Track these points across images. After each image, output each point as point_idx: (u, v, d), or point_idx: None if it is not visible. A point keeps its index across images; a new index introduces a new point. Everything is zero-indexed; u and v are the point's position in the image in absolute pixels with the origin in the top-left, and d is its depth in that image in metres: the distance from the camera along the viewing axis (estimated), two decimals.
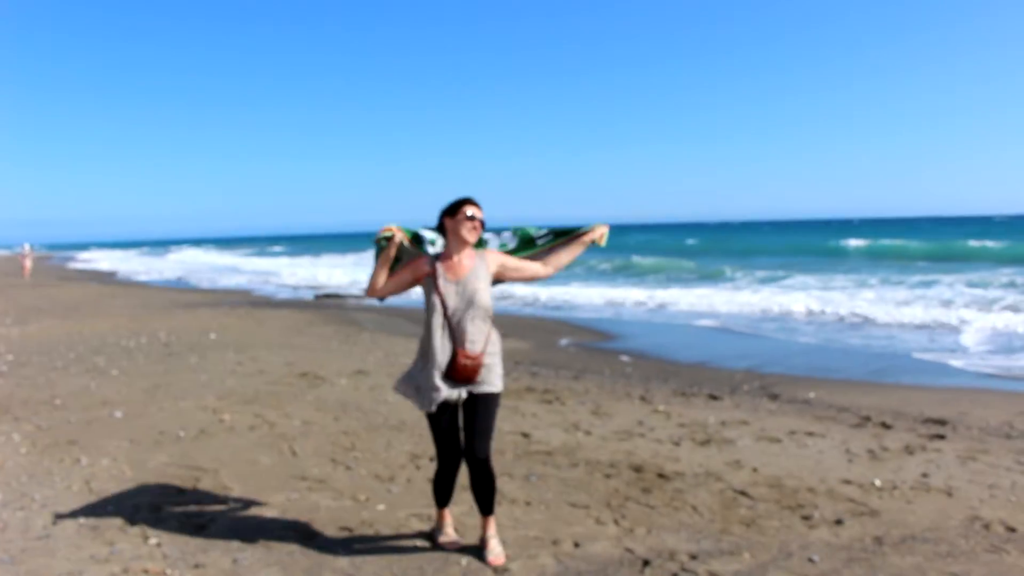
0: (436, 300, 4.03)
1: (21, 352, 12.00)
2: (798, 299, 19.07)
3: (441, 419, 4.12)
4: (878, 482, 5.50)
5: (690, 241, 62.67)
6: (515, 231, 4.47)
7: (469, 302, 4.03)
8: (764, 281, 26.03)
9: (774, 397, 8.81)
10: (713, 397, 8.73)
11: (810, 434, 6.90)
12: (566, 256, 4.40)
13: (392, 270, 4.27)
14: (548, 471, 5.79)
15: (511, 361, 10.78)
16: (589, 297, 21.81)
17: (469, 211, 4.09)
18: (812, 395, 8.83)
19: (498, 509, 4.96)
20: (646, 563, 4.15)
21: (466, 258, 4.14)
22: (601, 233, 4.37)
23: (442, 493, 4.38)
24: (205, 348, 12.40)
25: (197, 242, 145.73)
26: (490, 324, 4.12)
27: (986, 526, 4.69)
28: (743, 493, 5.27)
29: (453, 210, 4.12)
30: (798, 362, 11.22)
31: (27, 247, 42.30)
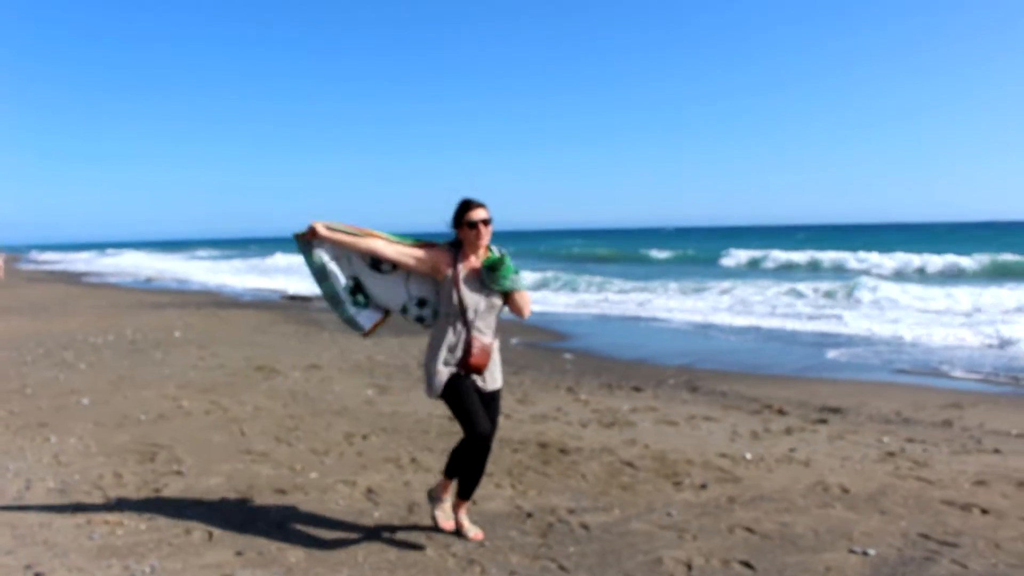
0: (457, 297, 4.24)
1: None
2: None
3: (464, 396, 4.26)
4: (749, 455, 6.35)
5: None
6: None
7: (487, 300, 4.31)
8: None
9: (694, 389, 9.63)
10: (637, 389, 9.55)
11: (708, 419, 7.75)
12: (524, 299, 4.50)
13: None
14: None
15: None
16: (562, 302, 22.55)
17: (473, 218, 4.26)
18: (727, 388, 9.66)
19: (411, 476, 5.78)
20: (529, 515, 4.96)
21: (480, 256, 4.38)
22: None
23: (459, 466, 4.49)
24: (170, 345, 13.08)
25: (139, 245, 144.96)
26: (496, 319, 4.41)
27: (825, 488, 5.54)
28: (629, 464, 6.10)
29: (459, 220, 4.30)
30: (731, 359, 12.05)
31: None
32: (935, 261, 32.73)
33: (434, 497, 4.63)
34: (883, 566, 4.22)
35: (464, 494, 4.53)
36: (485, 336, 4.32)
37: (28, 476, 5.79)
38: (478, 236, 4.27)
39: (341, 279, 4.46)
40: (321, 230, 4.33)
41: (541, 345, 13.84)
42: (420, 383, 9.34)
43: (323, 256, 4.42)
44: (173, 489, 5.52)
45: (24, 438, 6.87)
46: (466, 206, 4.30)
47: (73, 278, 40.20)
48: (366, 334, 4.61)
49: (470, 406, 4.27)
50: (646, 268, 40.03)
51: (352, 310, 4.51)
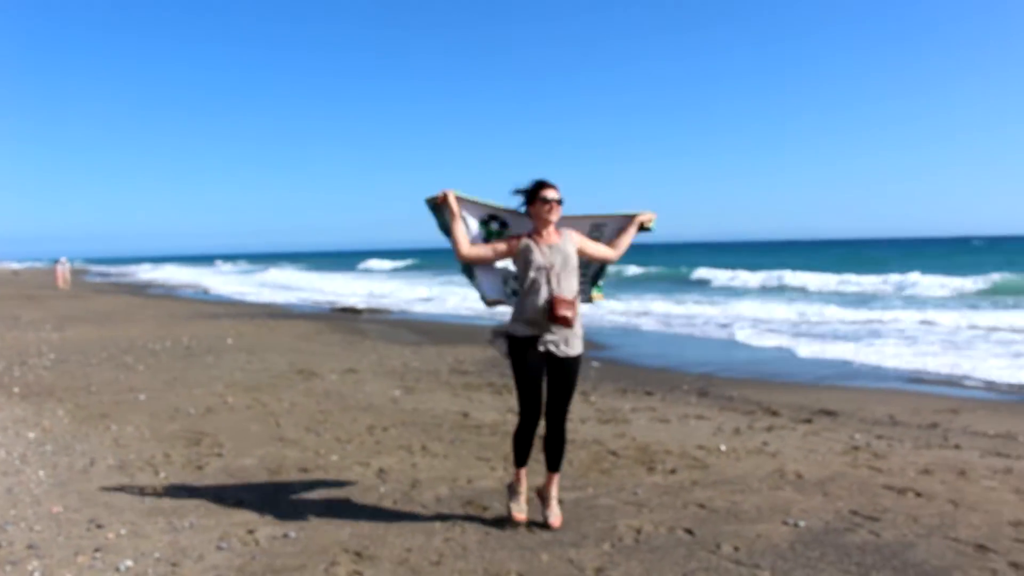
0: (536, 257, 4.68)
1: (61, 352, 13.83)
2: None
3: (528, 374, 4.68)
4: (723, 447, 7.05)
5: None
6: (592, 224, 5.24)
7: (564, 261, 4.71)
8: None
9: (704, 394, 10.28)
10: (648, 393, 10.24)
11: (700, 417, 8.44)
12: (626, 240, 5.17)
13: (488, 239, 5.04)
14: (471, 437, 7.41)
15: (492, 366, 12.38)
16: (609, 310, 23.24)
17: (546, 195, 4.72)
18: (736, 393, 10.30)
19: (419, 460, 6.61)
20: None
21: (553, 233, 4.83)
22: (650, 218, 5.23)
23: (521, 450, 4.88)
24: (221, 350, 14.14)
25: (234, 257, 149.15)
26: (578, 285, 4.85)
27: (782, 475, 6.22)
28: (613, 453, 6.85)
29: (532, 198, 4.79)
30: (753, 369, 12.56)
31: (63, 260, 44.73)
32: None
33: (512, 490, 4.98)
34: (807, 534, 4.91)
35: (552, 467, 4.94)
36: (570, 294, 4.70)
37: (92, 455, 6.76)
38: (549, 211, 4.73)
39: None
40: (450, 199, 4.92)
41: None
42: (444, 385, 10.22)
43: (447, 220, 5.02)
44: (213, 467, 6.43)
45: (89, 426, 7.87)
46: (540, 185, 4.76)
47: (136, 289, 42.06)
48: (489, 303, 5.20)
49: (526, 383, 4.72)
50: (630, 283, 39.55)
51: (472, 276, 5.17)
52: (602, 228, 5.33)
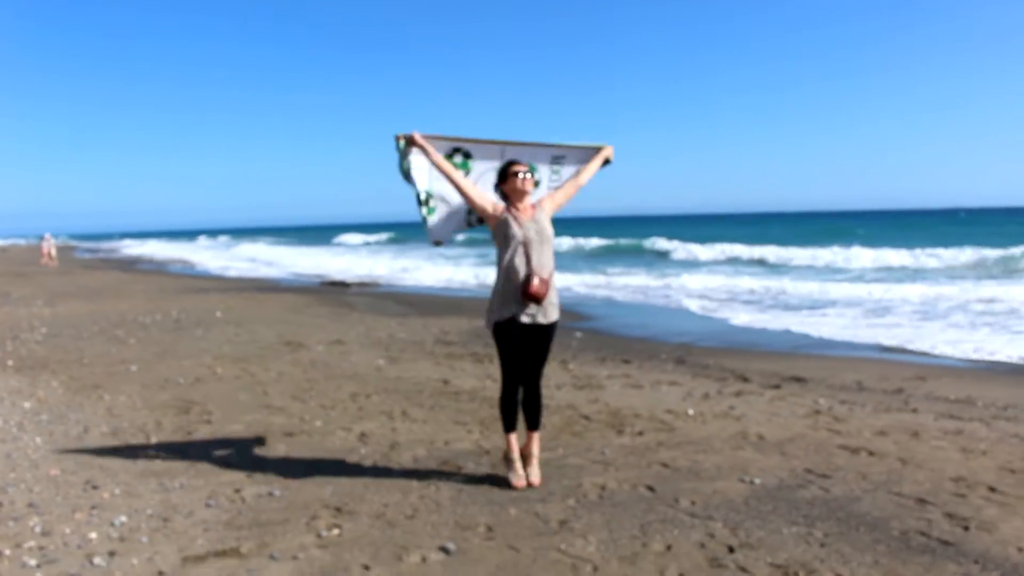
0: (515, 232, 4.97)
1: (53, 326, 14.08)
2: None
3: (509, 344, 5.04)
4: (691, 411, 7.38)
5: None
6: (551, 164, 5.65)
7: (540, 235, 5.01)
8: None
9: (681, 362, 10.58)
10: (626, 361, 10.54)
11: (673, 383, 8.77)
12: (587, 175, 5.48)
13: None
14: (450, 403, 7.72)
15: (476, 337, 12.69)
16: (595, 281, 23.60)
17: (515, 170, 5.08)
18: (712, 361, 10.61)
19: (399, 424, 6.92)
20: (486, 452, 6.07)
21: (529, 206, 5.14)
22: (610, 151, 5.55)
23: (508, 415, 5.21)
24: (210, 323, 14.41)
25: (215, 232, 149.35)
26: (552, 254, 5.13)
27: (744, 436, 6.55)
28: (585, 417, 7.17)
29: (503, 176, 5.14)
30: (733, 339, 12.83)
31: (48, 236, 44.81)
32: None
33: (508, 459, 5.27)
34: (761, 490, 5.24)
35: (532, 425, 5.27)
36: (545, 270, 4.99)
37: (86, 424, 7.05)
38: (522, 182, 5.06)
39: (417, 188, 5.48)
40: (418, 139, 5.26)
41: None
42: (428, 355, 10.53)
43: (410, 164, 5.40)
44: (202, 433, 6.73)
45: (82, 396, 8.16)
46: (509, 163, 5.15)
47: (125, 265, 42.19)
48: (435, 243, 5.70)
49: (508, 358, 5.09)
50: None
51: (424, 216, 5.54)
52: (562, 160, 5.69)
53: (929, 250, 30.77)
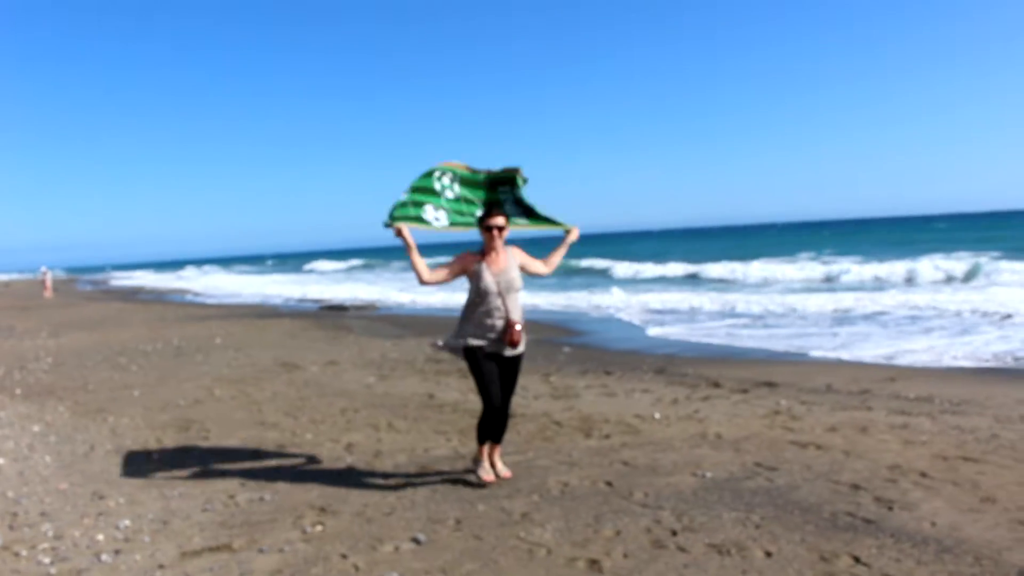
0: (487, 284, 5.43)
1: (58, 356, 14.62)
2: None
3: (486, 376, 5.51)
4: (657, 415, 7.87)
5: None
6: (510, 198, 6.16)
7: (509, 285, 5.49)
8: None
9: (660, 371, 11.05)
10: (607, 373, 11.02)
11: (645, 391, 9.26)
12: (557, 258, 6.05)
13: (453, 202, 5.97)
14: (432, 415, 8.22)
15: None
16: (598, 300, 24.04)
17: (490, 223, 5.51)
18: (692, 371, 11.08)
19: (384, 435, 7.42)
20: (461, 457, 6.56)
21: (500, 254, 5.57)
22: (576, 234, 6.09)
23: (484, 433, 5.70)
24: (210, 349, 14.93)
25: (209, 261, 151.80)
26: (520, 301, 5.65)
27: (703, 436, 7.04)
28: (557, 423, 7.66)
29: (480, 221, 5.59)
30: (717, 351, 13.20)
31: (44, 269, 45.49)
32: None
33: (476, 460, 5.84)
34: (711, 483, 5.72)
35: (497, 440, 5.82)
36: (516, 314, 5.53)
37: (92, 442, 7.56)
38: (491, 239, 5.53)
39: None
40: (404, 233, 5.58)
41: (547, 340, 15.23)
42: (418, 372, 11.02)
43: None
44: (200, 448, 7.24)
45: (88, 419, 8.67)
46: (488, 213, 5.56)
47: (126, 296, 42.75)
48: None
49: (487, 383, 5.53)
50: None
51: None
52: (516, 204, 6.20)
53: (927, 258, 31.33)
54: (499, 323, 5.50)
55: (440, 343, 5.83)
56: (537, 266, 5.92)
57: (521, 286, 5.63)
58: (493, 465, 5.92)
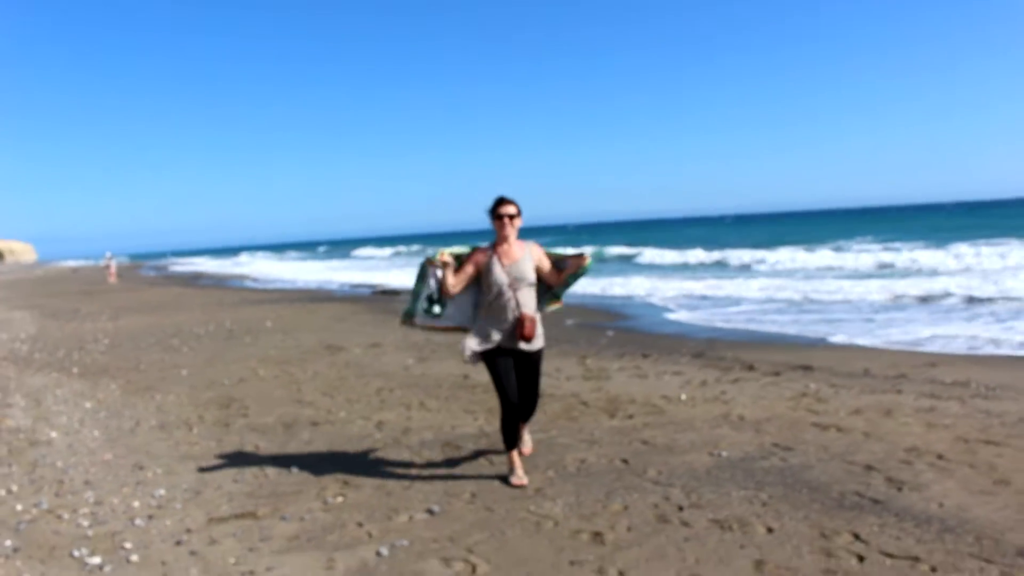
0: (497, 277, 5.19)
1: (115, 338, 15.20)
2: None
3: (501, 372, 5.32)
4: (684, 396, 7.96)
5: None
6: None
7: (521, 278, 5.24)
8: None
9: (699, 355, 11.09)
10: (644, 356, 11.10)
11: (676, 373, 9.34)
12: (562, 277, 5.56)
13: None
14: (464, 395, 8.43)
15: None
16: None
17: (501, 211, 5.26)
18: (730, 354, 11.11)
19: (415, 413, 7.65)
20: (486, 435, 6.76)
21: (514, 247, 5.30)
22: (587, 259, 5.48)
23: (509, 435, 5.40)
24: (259, 332, 15.36)
25: (262, 248, 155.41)
26: (535, 295, 5.40)
27: (726, 417, 7.12)
28: (584, 403, 7.81)
29: (491, 212, 5.30)
30: (761, 337, 13.08)
31: (109, 255, 46.87)
32: None
33: (510, 470, 5.48)
34: (725, 462, 5.82)
35: (524, 419, 5.62)
36: (530, 309, 5.29)
37: (138, 418, 7.94)
38: (502, 227, 5.25)
39: (432, 286, 5.52)
40: (446, 259, 5.36)
41: (591, 324, 15.31)
42: (458, 355, 11.23)
43: (431, 277, 5.50)
44: (238, 424, 7.56)
45: (136, 397, 9.08)
46: (498, 202, 5.28)
47: (186, 281, 43.90)
48: (403, 322, 5.75)
49: (503, 381, 5.32)
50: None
51: (418, 307, 5.59)
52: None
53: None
54: (512, 316, 5.27)
55: (466, 354, 5.49)
56: (550, 277, 5.57)
57: (534, 280, 5.36)
58: (521, 437, 5.71)
